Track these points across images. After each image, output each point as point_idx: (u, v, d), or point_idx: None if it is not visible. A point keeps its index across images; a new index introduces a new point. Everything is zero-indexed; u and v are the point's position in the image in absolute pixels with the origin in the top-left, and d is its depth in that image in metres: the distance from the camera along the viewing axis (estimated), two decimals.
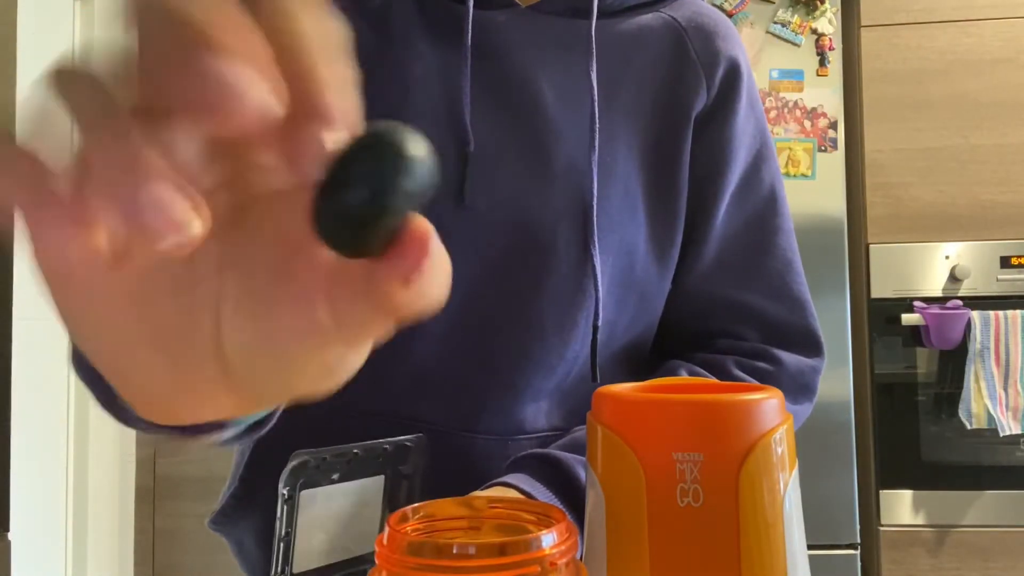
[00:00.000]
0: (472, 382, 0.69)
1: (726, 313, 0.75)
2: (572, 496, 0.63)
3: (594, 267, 0.69)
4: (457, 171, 0.67)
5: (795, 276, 0.76)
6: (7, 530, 2.08)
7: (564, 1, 0.72)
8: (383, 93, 0.69)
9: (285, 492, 0.52)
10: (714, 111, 0.74)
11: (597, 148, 0.69)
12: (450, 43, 0.70)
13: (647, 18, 0.75)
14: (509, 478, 0.62)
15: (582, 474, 0.64)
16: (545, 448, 0.67)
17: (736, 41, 0.76)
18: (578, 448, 0.67)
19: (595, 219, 0.69)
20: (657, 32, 0.74)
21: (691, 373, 0.72)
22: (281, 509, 0.53)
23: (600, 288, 0.69)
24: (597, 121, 0.69)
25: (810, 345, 0.75)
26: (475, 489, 0.65)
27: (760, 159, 0.76)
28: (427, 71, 0.69)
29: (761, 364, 0.73)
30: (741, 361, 0.73)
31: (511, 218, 0.68)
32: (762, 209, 0.76)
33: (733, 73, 0.74)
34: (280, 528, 0.53)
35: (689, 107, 0.73)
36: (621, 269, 0.71)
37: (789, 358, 0.73)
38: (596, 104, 0.69)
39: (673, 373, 0.72)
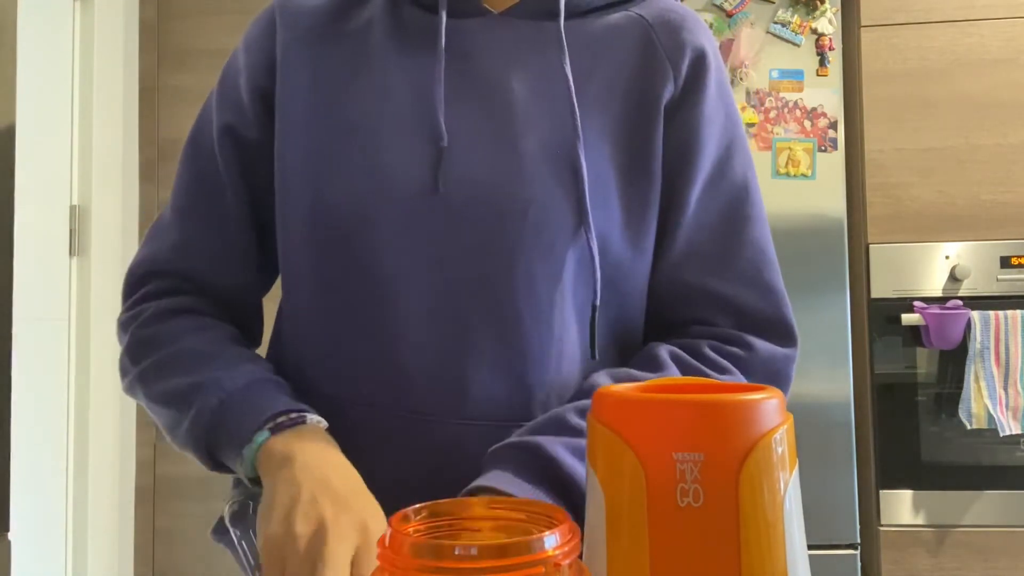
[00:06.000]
0: (456, 369, 0.71)
1: (699, 301, 0.76)
2: (556, 483, 0.65)
3: (590, 248, 0.71)
4: (432, 165, 0.71)
5: (769, 266, 0.76)
6: (7, 530, 2.08)
7: (533, 5, 0.75)
8: (365, 101, 0.73)
9: (236, 534, 0.58)
10: (683, 99, 0.75)
11: (582, 135, 0.71)
12: (426, 50, 0.74)
13: (615, 17, 0.77)
14: (488, 480, 0.64)
15: (563, 454, 0.65)
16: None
17: (704, 33, 0.78)
18: (552, 424, 0.68)
19: (579, 206, 0.71)
20: (624, 29, 0.77)
21: (671, 355, 0.73)
22: (239, 549, 0.58)
23: (598, 269, 0.71)
24: (576, 107, 0.71)
25: (783, 334, 0.76)
26: (468, 479, 0.66)
27: (732, 149, 0.77)
28: (404, 77, 0.74)
29: (734, 349, 0.74)
30: (715, 344, 0.74)
31: (487, 207, 0.70)
32: (734, 198, 0.77)
33: (699, 62, 0.76)
34: (245, 563, 0.57)
35: (658, 98, 0.75)
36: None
37: (762, 345, 0.74)
38: (572, 91, 0.72)
39: (652, 356, 0.73)
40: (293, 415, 0.66)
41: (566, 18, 0.76)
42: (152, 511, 2.28)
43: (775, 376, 0.75)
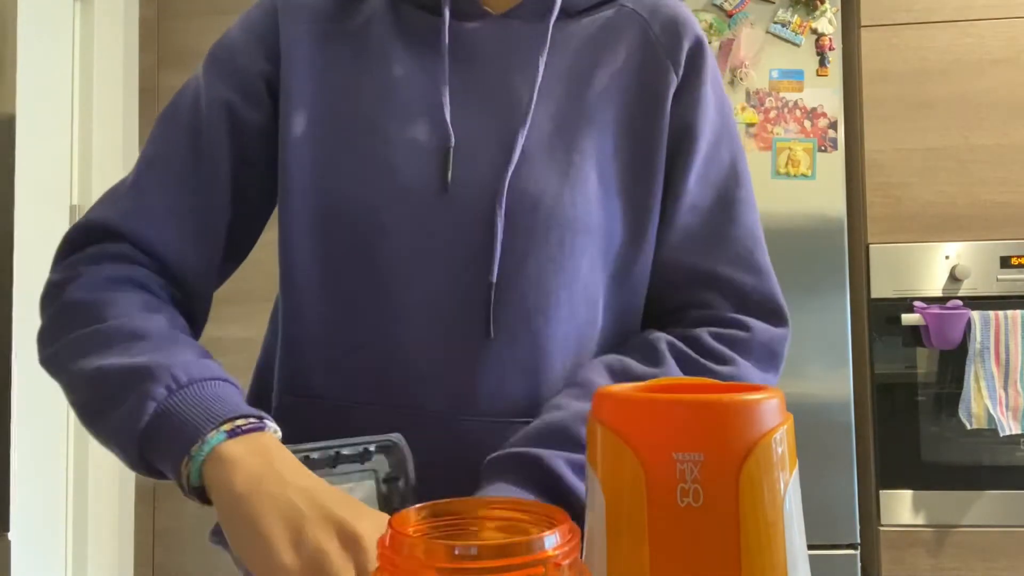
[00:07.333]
0: (467, 368, 0.71)
1: (697, 284, 0.77)
2: (557, 498, 0.64)
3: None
4: (440, 165, 0.72)
5: (760, 248, 0.79)
6: (7, 530, 2.08)
7: (532, 6, 0.77)
8: (368, 103, 0.74)
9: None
10: (682, 88, 0.77)
11: (527, 125, 0.73)
12: (428, 52, 0.75)
13: (609, 14, 0.79)
14: (490, 492, 0.64)
15: (564, 469, 0.66)
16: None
17: (696, 24, 0.81)
18: (555, 435, 0.67)
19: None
20: (620, 25, 0.79)
21: (671, 349, 0.73)
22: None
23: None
24: (534, 100, 0.73)
25: (776, 315, 0.77)
26: (474, 475, 0.66)
27: (724, 134, 0.79)
28: (407, 79, 0.75)
29: (733, 332, 0.75)
30: (714, 332, 0.75)
31: (495, 207, 0.71)
32: (727, 181, 0.78)
33: (696, 52, 0.78)
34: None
35: (661, 95, 0.77)
36: (598, 248, 0.74)
37: (759, 326, 0.76)
38: (537, 88, 0.74)
39: (651, 346, 0.74)
40: (252, 420, 0.60)
41: (565, 18, 0.78)
42: (152, 511, 2.28)
43: (773, 356, 0.76)
